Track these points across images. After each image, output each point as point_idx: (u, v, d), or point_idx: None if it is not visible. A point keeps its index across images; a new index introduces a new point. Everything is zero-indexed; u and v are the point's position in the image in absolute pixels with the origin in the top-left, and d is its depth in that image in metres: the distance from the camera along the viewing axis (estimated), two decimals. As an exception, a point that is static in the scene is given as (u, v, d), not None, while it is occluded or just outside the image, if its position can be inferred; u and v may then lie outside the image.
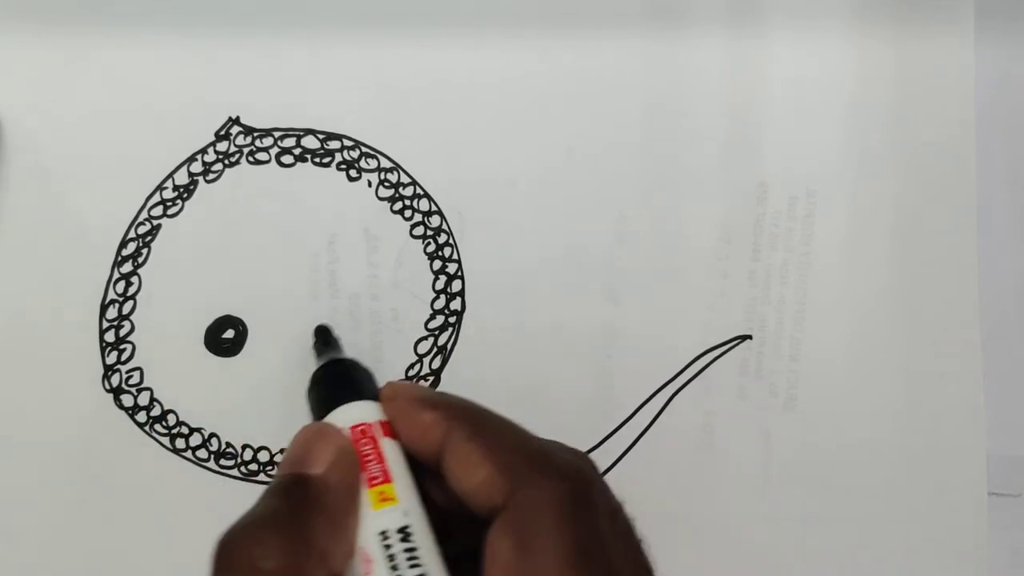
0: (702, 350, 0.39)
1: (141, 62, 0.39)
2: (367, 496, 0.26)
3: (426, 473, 0.27)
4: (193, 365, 0.37)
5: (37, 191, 0.38)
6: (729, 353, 0.39)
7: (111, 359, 0.37)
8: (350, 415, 0.28)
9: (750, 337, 0.39)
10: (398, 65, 0.40)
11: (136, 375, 0.37)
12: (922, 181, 0.40)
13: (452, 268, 0.39)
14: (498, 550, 0.23)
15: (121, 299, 0.38)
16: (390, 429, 0.27)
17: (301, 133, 0.39)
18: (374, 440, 0.27)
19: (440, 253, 0.39)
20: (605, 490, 0.26)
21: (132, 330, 0.37)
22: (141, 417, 0.37)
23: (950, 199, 0.40)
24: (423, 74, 0.40)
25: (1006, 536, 0.38)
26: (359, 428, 0.27)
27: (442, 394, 0.28)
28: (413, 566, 0.24)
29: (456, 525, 0.26)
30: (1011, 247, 0.40)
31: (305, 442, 0.26)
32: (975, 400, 0.39)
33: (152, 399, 0.37)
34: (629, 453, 0.38)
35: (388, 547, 0.24)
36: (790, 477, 0.38)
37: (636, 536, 0.26)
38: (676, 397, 0.38)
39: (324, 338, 0.35)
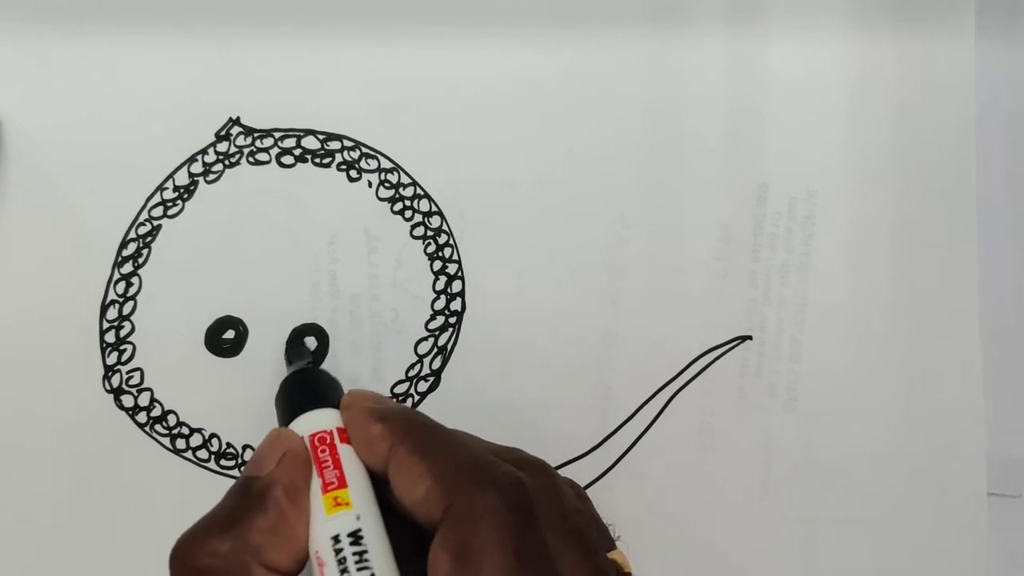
0: (702, 350, 0.39)
1: (141, 62, 0.39)
2: (322, 501, 0.27)
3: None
4: (193, 366, 0.37)
5: (37, 191, 0.38)
6: (729, 353, 0.39)
7: (111, 360, 0.37)
8: (311, 423, 0.29)
9: (750, 337, 0.39)
10: (398, 65, 0.40)
11: (136, 376, 0.37)
12: (922, 181, 0.40)
13: (452, 269, 0.39)
14: (438, 563, 0.24)
15: (121, 300, 0.38)
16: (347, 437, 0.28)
17: (301, 133, 0.39)
18: (332, 447, 0.28)
19: (440, 254, 0.39)
20: (555, 496, 0.26)
21: (132, 331, 0.37)
22: (142, 418, 0.37)
23: (950, 199, 0.40)
24: (423, 74, 0.40)
25: (1006, 537, 0.38)
26: (317, 435, 0.28)
27: (396, 407, 0.29)
28: (361, 568, 0.25)
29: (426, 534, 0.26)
30: (1011, 247, 0.40)
31: (261, 447, 0.28)
32: (975, 400, 0.39)
33: (152, 400, 0.37)
34: (629, 453, 0.38)
35: (339, 551, 0.25)
36: (790, 478, 0.38)
37: (590, 540, 0.26)
38: (676, 397, 0.38)
39: (295, 347, 0.36)
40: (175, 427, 0.37)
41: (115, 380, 0.37)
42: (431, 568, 0.24)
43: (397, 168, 0.39)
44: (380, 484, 0.27)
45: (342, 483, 0.27)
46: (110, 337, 0.37)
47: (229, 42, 0.39)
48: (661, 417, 0.38)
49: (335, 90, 0.39)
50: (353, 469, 0.27)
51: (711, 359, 0.39)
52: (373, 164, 0.39)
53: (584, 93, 0.40)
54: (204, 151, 0.39)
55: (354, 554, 0.25)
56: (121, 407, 0.37)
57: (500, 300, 0.39)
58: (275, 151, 0.39)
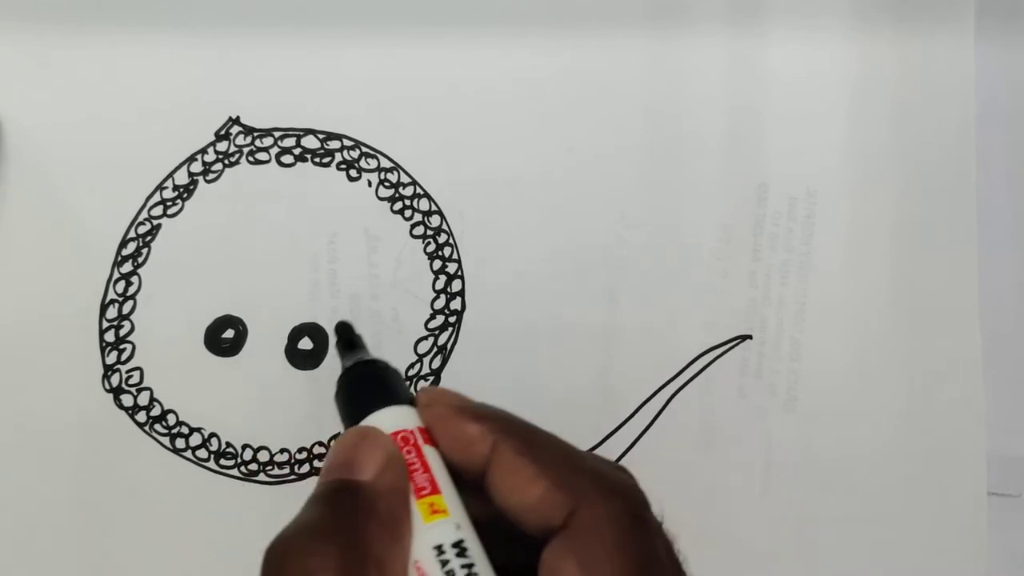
0: (702, 350, 0.39)
1: (142, 62, 0.39)
2: (417, 508, 0.24)
3: (463, 485, 0.25)
4: (193, 365, 0.37)
5: (37, 191, 0.38)
6: (729, 353, 0.39)
7: (111, 359, 0.37)
8: (388, 421, 0.26)
9: (750, 337, 0.39)
10: (398, 65, 0.40)
11: (136, 375, 0.37)
12: (922, 181, 0.40)
13: (452, 268, 0.39)
14: (562, 570, 0.23)
15: (121, 299, 0.38)
16: (429, 437, 0.26)
17: (301, 133, 0.39)
18: (417, 448, 0.25)
19: (440, 253, 0.39)
20: (650, 506, 0.26)
21: (132, 330, 0.37)
22: (141, 417, 0.37)
23: (950, 199, 0.40)
24: (423, 74, 0.40)
25: (1006, 537, 0.38)
26: (400, 435, 0.26)
27: (485, 405, 0.27)
28: None
29: (495, 540, 0.25)
30: (1011, 247, 0.40)
31: (351, 446, 0.25)
32: (975, 400, 0.39)
33: (152, 399, 0.37)
34: (629, 453, 0.38)
35: (445, 562, 0.23)
36: (790, 477, 0.38)
37: (677, 548, 0.26)
38: (676, 397, 0.38)
39: (347, 337, 0.32)
40: (175, 426, 0.37)
41: (115, 379, 0.37)
42: (547, 574, 0.23)
43: (397, 168, 0.39)
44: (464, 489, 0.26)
45: (435, 489, 0.25)
46: (110, 336, 0.37)
47: (229, 42, 0.39)
48: (661, 417, 0.38)
49: (335, 90, 0.39)
50: (441, 473, 0.25)
51: (711, 359, 0.39)
52: (373, 164, 0.39)
53: (584, 93, 0.40)
54: (204, 151, 0.39)
55: (463, 566, 0.23)
56: (121, 406, 0.37)
57: (500, 299, 0.38)
58: (275, 151, 0.39)
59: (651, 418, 0.38)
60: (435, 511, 0.24)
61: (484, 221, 0.39)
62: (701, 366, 0.39)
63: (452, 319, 0.38)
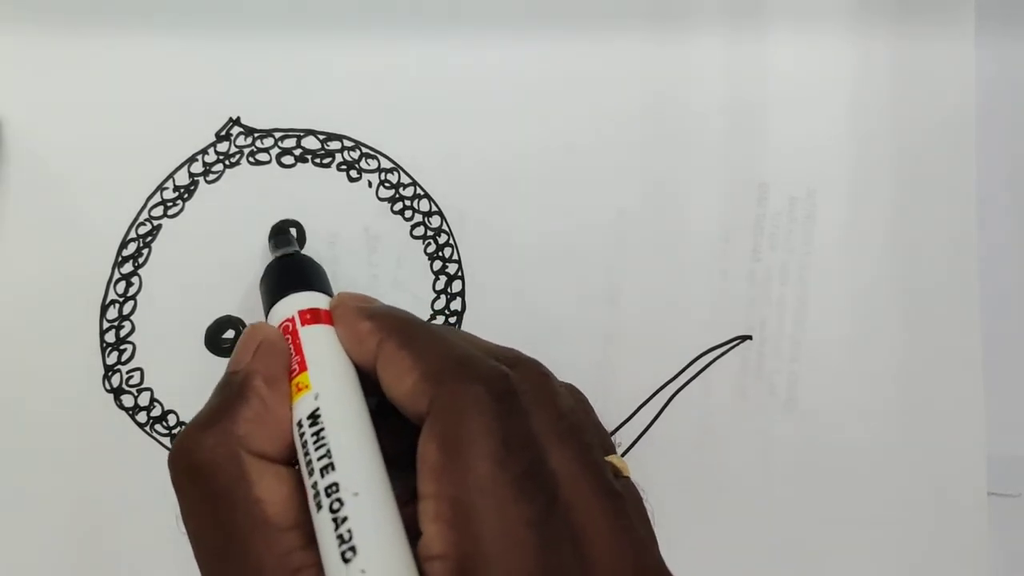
0: (702, 350, 0.39)
1: (141, 62, 0.39)
2: (290, 388, 0.26)
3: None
4: (193, 365, 0.37)
5: (37, 191, 0.38)
6: (729, 353, 0.39)
7: (111, 359, 0.37)
8: (283, 311, 0.29)
9: (750, 337, 0.39)
10: (398, 65, 0.40)
11: (136, 375, 0.37)
12: (922, 181, 0.40)
13: (452, 268, 0.39)
14: (426, 453, 0.24)
15: (122, 299, 0.38)
16: (323, 318, 0.28)
17: (301, 134, 0.39)
18: (294, 333, 0.28)
19: (440, 253, 0.39)
20: (547, 394, 0.26)
21: (132, 330, 0.37)
22: (142, 417, 0.37)
23: (950, 199, 0.40)
24: (423, 74, 0.40)
25: (1006, 537, 0.38)
26: (282, 325, 0.28)
27: (385, 306, 0.29)
28: (319, 447, 0.24)
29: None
30: (1011, 247, 0.40)
31: (239, 342, 0.28)
32: (975, 400, 0.39)
33: (152, 399, 0.37)
34: (629, 453, 0.38)
35: (302, 435, 0.25)
36: (790, 477, 0.38)
37: (585, 438, 0.26)
38: (676, 397, 0.39)
39: (279, 235, 0.36)
40: (175, 427, 0.37)
41: (115, 380, 0.37)
42: (420, 459, 0.24)
43: (397, 168, 0.39)
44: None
45: (302, 367, 0.27)
46: (110, 337, 0.37)
47: (230, 43, 0.39)
48: (661, 417, 0.38)
49: (335, 90, 0.39)
50: (315, 351, 0.27)
51: (711, 359, 0.39)
52: (373, 164, 0.39)
53: (584, 93, 0.40)
54: (204, 151, 0.39)
55: (312, 435, 0.25)
56: (121, 407, 0.37)
57: (500, 300, 0.39)
58: (275, 151, 0.39)
59: (651, 418, 0.38)
60: (299, 389, 0.26)
61: (484, 221, 0.39)
62: (701, 366, 0.39)
63: (452, 320, 0.38)
